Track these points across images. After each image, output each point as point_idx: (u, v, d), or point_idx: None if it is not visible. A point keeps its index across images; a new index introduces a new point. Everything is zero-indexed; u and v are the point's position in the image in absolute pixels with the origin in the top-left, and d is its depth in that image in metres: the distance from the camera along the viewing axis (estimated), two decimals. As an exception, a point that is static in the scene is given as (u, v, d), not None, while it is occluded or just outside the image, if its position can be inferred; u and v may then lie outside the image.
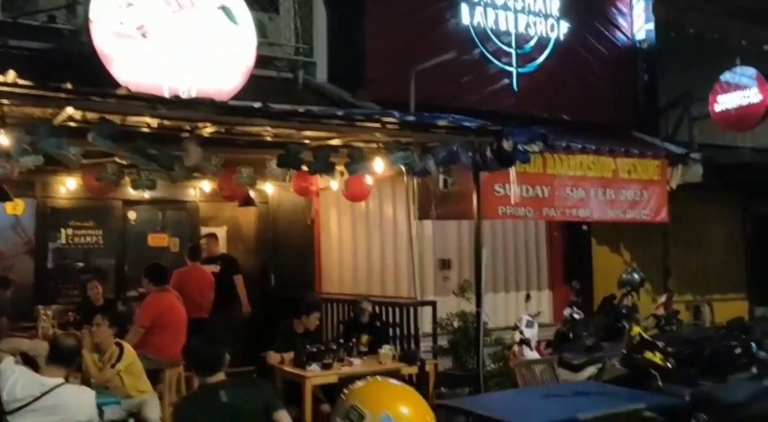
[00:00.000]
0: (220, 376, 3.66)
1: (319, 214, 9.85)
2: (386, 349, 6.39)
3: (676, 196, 9.83)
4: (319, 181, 7.94)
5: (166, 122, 5.65)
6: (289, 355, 6.20)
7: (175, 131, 5.87)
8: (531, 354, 6.75)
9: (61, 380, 4.01)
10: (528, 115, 9.74)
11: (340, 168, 7.43)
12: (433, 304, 7.57)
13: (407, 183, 7.85)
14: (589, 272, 10.96)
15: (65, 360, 4.07)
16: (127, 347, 5.50)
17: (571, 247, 11.10)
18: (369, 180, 7.85)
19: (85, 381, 5.19)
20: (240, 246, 9.58)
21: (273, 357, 6.22)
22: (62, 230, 8.64)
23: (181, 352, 6.85)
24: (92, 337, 5.49)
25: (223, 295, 8.13)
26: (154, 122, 5.66)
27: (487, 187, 8.09)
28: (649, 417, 4.68)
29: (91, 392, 4.19)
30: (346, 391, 2.18)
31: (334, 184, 7.91)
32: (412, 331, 7.54)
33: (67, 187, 8.25)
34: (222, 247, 9.37)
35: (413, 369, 6.23)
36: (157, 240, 9.14)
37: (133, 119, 5.53)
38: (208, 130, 5.83)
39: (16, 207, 8.27)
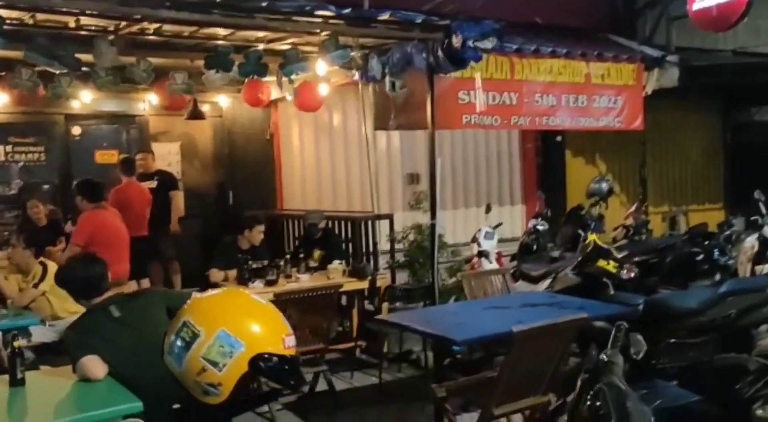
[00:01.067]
0: (106, 295, 3.34)
1: (278, 127, 9.40)
2: (336, 264, 6.09)
3: (653, 103, 9.39)
4: (273, 91, 7.45)
5: (84, 21, 5.15)
6: (233, 273, 5.90)
7: (100, 32, 5.37)
8: (490, 267, 6.47)
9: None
10: (496, 18, 9.13)
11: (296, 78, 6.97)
12: (390, 218, 7.24)
13: (361, 91, 7.38)
14: (562, 184, 10.66)
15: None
16: (52, 267, 5.16)
17: (545, 159, 10.75)
18: (323, 89, 7.37)
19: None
20: (195, 163, 9.15)
21: (215, 275, 5.92)
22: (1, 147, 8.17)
23: (126, 271, 6.62)
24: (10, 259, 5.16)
25: (161, 212, 7.76)
26: (71, 21, 5.16)
27: (451, 94, 7.63)
28: (599, 327, 4.42)
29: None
30: (185, 305, 1.83)
31: (289, 94, 7.43)
32: (370, 246, 7.25)
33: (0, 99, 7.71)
34: (177, 164, 8.96)
35: (363, 284, 5.95)
36: (105, 157, 8.68)
37: (46, 18, 5.03)
38: (130, 29, 5.31)
39: (-53, 123, 7.78)
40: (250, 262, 5.67)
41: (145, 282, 7.33)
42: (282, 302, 4.94)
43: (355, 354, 6.24)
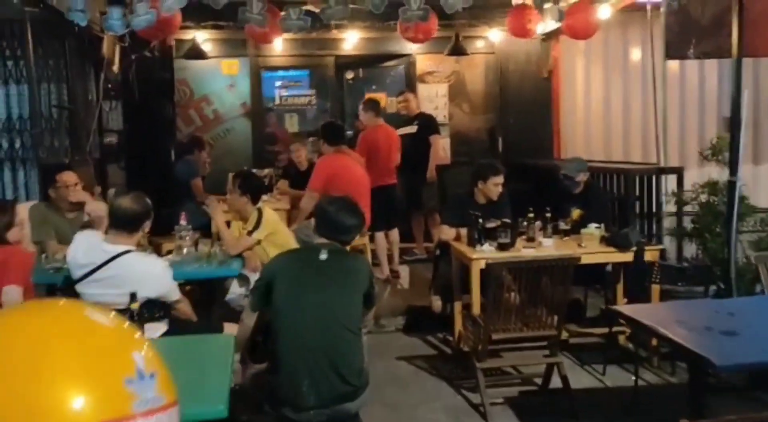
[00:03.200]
0: None
1: (558, 64, 8.15)
2: (591, 229, 4.83)
3: None
4: (541, 18, 6.28)
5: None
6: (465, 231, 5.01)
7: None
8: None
9: (124, 247, 3.42)
10: None
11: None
12: (679, 172, 5.64)
13: (649, 11, 5.82)
14: None
15: (125, 225, 3.45)
16: (268, 214, 4.81)
17: None
18: (603, 11, 5.99)
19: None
20: (464, 105, 8.35)
21: (446, 232, 5.09)
22: (276, 91, 8.28)
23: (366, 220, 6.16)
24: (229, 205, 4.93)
25: (421, 158, 7.11)
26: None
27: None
28: None
29: (161, 264, 3.56)
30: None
31: (555, 18, 6.18)
32: (653, 208, 5.78)
33: (275, 44, 7.71)
34: (443, 107, 8.27)
35: (625, 257, 4.61)
36: (373, 99, 8.33)
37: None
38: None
39: (231, 67, 8.07)
40: (481, 220, 4.72)
41: (394, 234, 6.84)
42: (497, 273, 3.96)
43: (617, 341, 4.98)
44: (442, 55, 7.91)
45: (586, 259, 4.43)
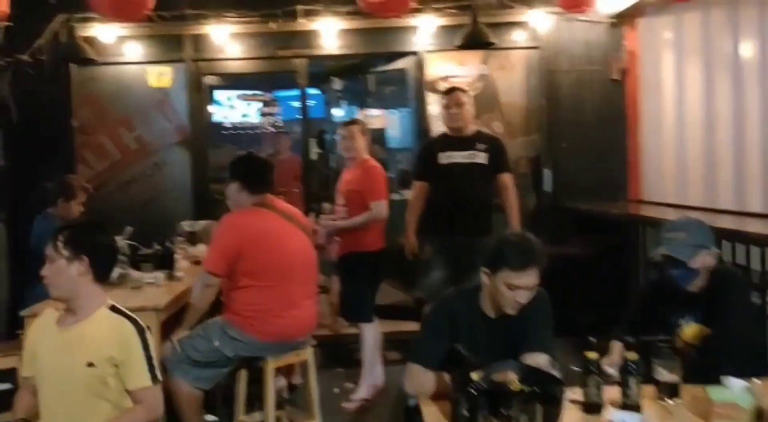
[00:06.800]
0: None
1: (635, 59, 5.61)
2: (737, 392, 2.13)
3: None
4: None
5: None
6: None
7: None
8: None
9: None
10: None
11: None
12: None
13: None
14: None
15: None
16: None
17: None
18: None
19: None
20: (495, 123, 5.77)
21: (416, 380, 2.45)
22: (225, 107, 5.91)
23: (311, 322, 3.64)
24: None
25: (484, 205, 4.46)
26: None
27: None
28: None
29: None
30: None
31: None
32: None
33: (221, 42, 5.40)
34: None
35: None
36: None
37: None
38: None
39: (162, 77, 5.78)
40: (476, 377, 2.08)
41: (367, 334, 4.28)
42: None
43: None
44: (459, 52, 5.42)
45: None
